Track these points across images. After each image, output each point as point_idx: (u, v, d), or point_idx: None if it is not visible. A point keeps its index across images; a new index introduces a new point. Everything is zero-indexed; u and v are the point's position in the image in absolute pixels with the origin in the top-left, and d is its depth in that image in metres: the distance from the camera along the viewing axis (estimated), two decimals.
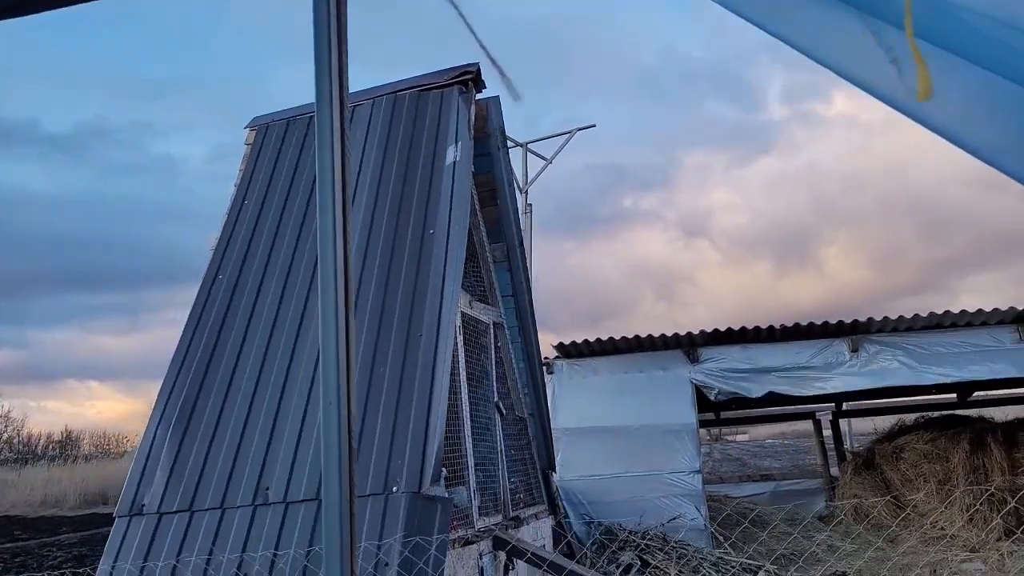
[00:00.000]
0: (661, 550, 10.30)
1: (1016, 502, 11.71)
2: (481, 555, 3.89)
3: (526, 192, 12.20)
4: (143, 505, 3.38)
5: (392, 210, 4.16)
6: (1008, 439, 12.39)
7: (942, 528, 11.93)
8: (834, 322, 11.30)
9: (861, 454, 14.14)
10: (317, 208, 1.29)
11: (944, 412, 14.02)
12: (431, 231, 4.00)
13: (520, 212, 12.74)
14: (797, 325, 11.57)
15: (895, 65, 1.14)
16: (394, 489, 3.18)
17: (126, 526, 3.31)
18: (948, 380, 10.87)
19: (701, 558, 10.14)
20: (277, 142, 4.72)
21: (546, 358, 12.70)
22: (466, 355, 4.37)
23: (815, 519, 12.71)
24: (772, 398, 12.77)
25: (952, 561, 10.78)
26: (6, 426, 28.96)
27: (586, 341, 12.08)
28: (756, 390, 11.69)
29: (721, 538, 11.20)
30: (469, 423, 4.17)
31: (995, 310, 10.53)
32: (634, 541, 10.46)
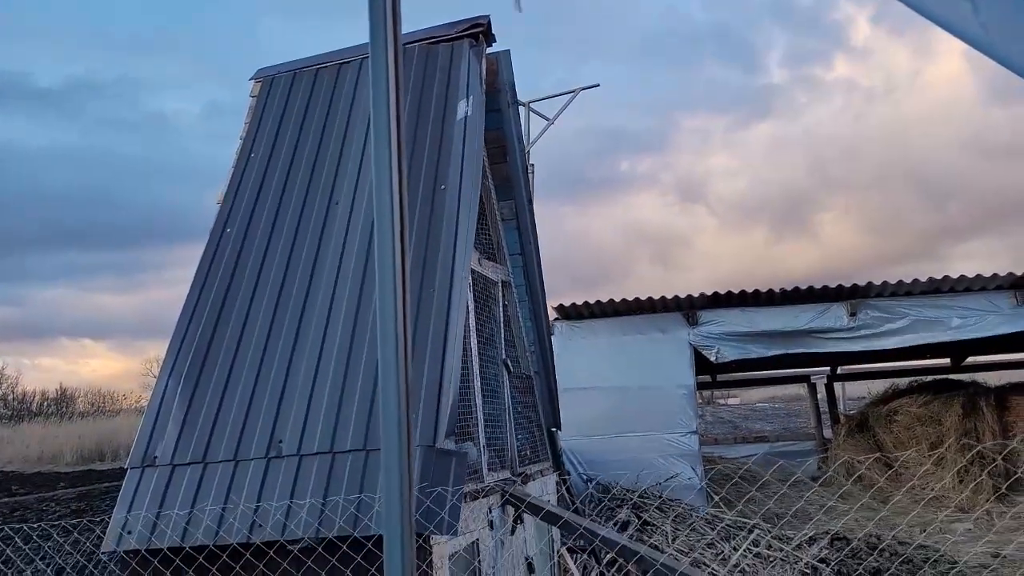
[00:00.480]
0: (657, 508, 10.46)
1: (1005, 463, 11.91)
2: (491, 509, 3.93)
3: (528, 152, 12.09)
4: (155, 457, 3.39)
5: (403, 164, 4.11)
6: (1000, 403, 12.55)
7: (933, 489, 12.14)
8: (833, 286, 11.32)
9: (855, 417, 14.31)
10: (372, 148, 1.25)
11: (938, 376, 14.17)
12: (443, 187, 3.95)
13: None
14: (796, 289, 11.59)
15: (970, 2, 1.14)
16: None
17: (139, 477, 3.32)
18: (946, 340, 10.92)
19: (697, 516, 10.30)
20: (284, 94, 4.64)
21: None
22: (476, 312, 4.36)
23: (807, 479, 12.90)
24: (769, 360, 12.86)
25: (942, 521, 10.99)
26: (1, 383, 29.02)
27: (586, 303, 12.10)
28: (757, 351, 11.75)
29: (715, 497, 11.36)
30: (479, 380, 4.17)
31: (993, 275, 10.56)
32: (631, 499, 10.61)
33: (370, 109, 1.30)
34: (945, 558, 9.51)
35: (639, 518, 10.14)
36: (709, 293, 11.72)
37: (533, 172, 11.80)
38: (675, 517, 10.25)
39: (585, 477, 11.62)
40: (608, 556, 4.73)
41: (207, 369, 3.60)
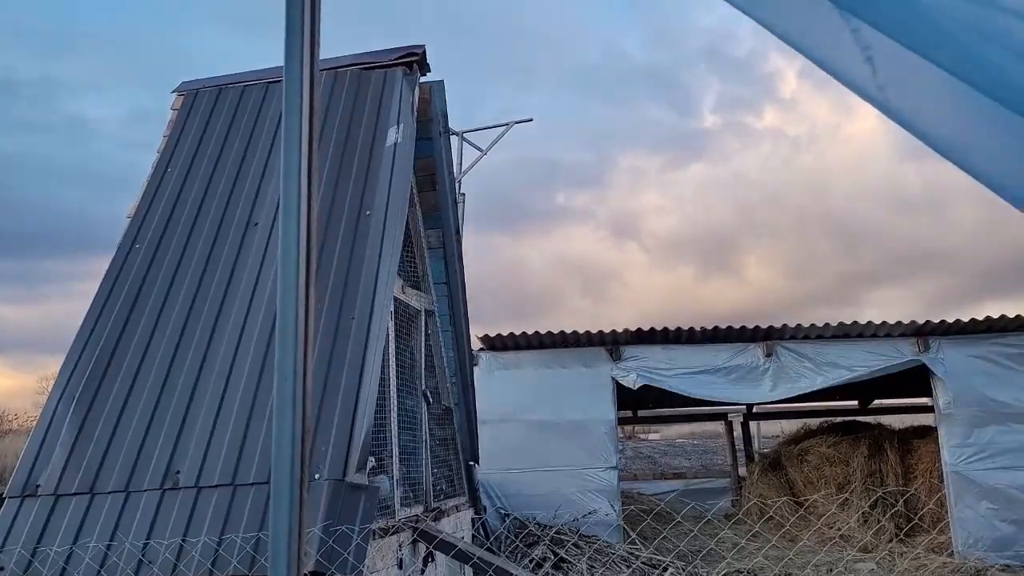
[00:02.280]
0: (574, 544, 10.41)
1: (905, 506, 12.41)
2: (400, 546, 3.80)
3: (459, 181, 12.07)
4: (38, 485, 3.14)
5: (327, 189, 4.01)
6: (903, 446, 13.12)
7: (838, 529, 12.54)
8: (751, 327, 11.66)
9: (768, 455, 14.69)
10: (281, 175, 1.18)
11: (846, 418, 14.74)
12: (368, 213, 3.87)
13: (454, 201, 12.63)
14: (716, 328, 11.89)
15: (869, 64, 1.24)
16: (316, 476, 3.06)
17: (17, 507, 3.06)
18: (852, 378, 11.34)
19: (612, 552, 10.31)
20: (207, 110, 4.48)
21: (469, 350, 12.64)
22: (396, 341, 4.26)
23: (720, 517, 13.13)
24: (686, 399, 13.08)
25: (847, 561, 11.33)
26: None
27: (511, 334, 12.08)
28: (673, 385, 11.91)
29: (632, 533, 11.41)
30: (396, 411, 4.06)
31: (898, 323, 11.10)
32: (547, 535, 10.53)
33: (283, 133, 1.23)
34: None
35: (555, 555, 10.07)
36: (633, 329, 11.89)
37: (464, 201, 11.78)
38: (591, 554, 10.23)
39: (503, 512, 11.49)
40: None
41: (103, 392, 3.38)
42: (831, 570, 10.87)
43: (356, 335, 3.44)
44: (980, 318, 11.22)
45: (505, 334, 12.19)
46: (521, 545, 10.14)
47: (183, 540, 2.87)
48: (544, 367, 12.23)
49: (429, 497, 4.54)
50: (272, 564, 1.22)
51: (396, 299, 4.30)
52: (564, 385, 11.97)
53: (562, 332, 12.15)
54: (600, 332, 12.10)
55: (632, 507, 11.91)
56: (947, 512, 11.13)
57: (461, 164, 12.20)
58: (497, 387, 12.19)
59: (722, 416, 16.08)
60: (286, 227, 1.22)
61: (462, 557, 3.95)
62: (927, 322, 11.00)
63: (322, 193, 4.00)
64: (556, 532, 10.39)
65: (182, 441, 3.20)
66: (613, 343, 12.17)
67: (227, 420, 3.23)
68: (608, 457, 11.77)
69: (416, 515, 4.19)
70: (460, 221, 12.54)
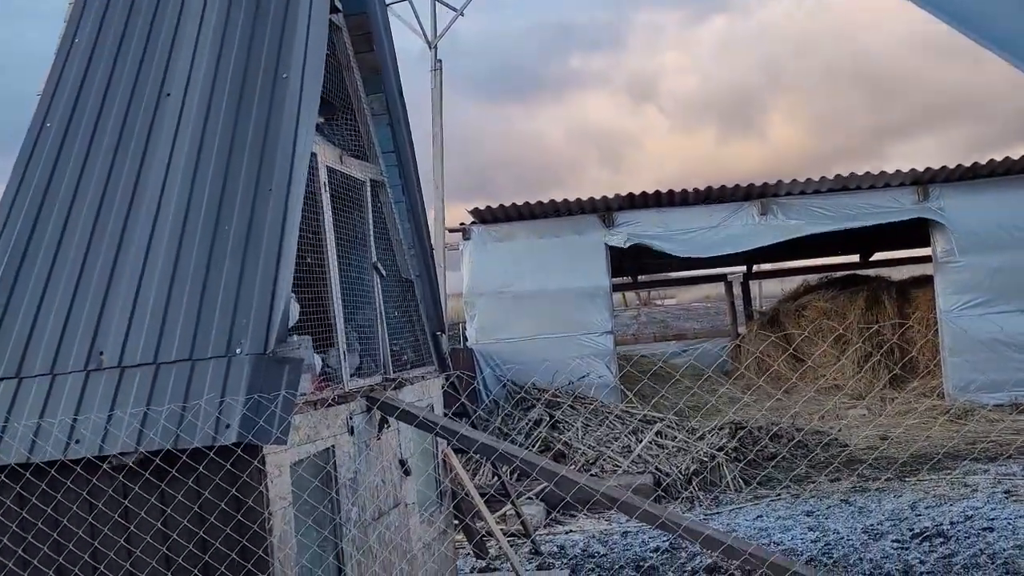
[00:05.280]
0: (570, 405, 10.67)
1: (901, 354, 12.50)
2: (351, 415, 3.83)
3: (435, 47, 11.52)
4: None
5: (241, 53, 3.75)
6: (901, 296, 13.09)
7: (835, 379, 12.73)
8: (744, 185, 11.36)
9: (767, 313, 14.77)
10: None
11: (846, 272, 14.65)
12: (284, 75, 3.63)
13: (430, 69, 12.09)
14: (709, 188, 11.61)
15: None
16: (237, 351, 3.03)
17: None
18: (852, 227, 11.12)
19: (607, 412, 10.57)
20: None
21: (462, 224, 12.52)
22: (336, 214, 4.12)
23: (719, 374, 13.35)
24: (686, 261, 13.00)
25: (838, 407, 11.56)
26: None
27: (501, 206, 11.91)
28: (666, 247, 11.79)
29: (629, 394, 11.64)
30: (339, 285, 3.99)
31: (897, 172, 10.74)
32: (544, 398, 10.78)
33: None
34: (838, 441, 10.04)
35: (551, 416, 10.36)
36: (624, 194, 11.65)
37: (440, 69, 11.26)
38: (588, 414, 10.51)
39: (502, 379, 11.75)
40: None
41: (23, 275, 3.32)
42: (821, 416, 11.13)
43: (274, 207, 3.31)
44: (983, 162, 10.81)
45: (495, 206, 12.00)
46: (515, 411, 10.42)
47: (109, 414, 2.89)
48: (537, 237, 12.13)
49: (388, 367, 4.55)
50: None
51: (333, 170, 4.12)
52: (557, 254, 11.91)
53: (552, 201, 11.94)
54: (592, 199, 11.87)
55: (631, 368, 12.10)
56: (940, 358, 11.22)
57: (435, 28, 11.59)
58: (491, 259, 12.17)
59: (721, 278, 16.07)
60: None
61: (406, 418, 3.99)
62: (927, 169, 10.65)
63: (236, 57, 3.75)
64: (552, 395, 10.64)
65: (104, 320, 3.16)
66: (605, 209, 11.97)
67: (147, 297, 3.18)
68: (603, 322, 11.87)
69: (372, 385, 4.21)
70: (439, 90, 12.07)
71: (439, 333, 5.38)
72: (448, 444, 4.96)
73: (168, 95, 3.76)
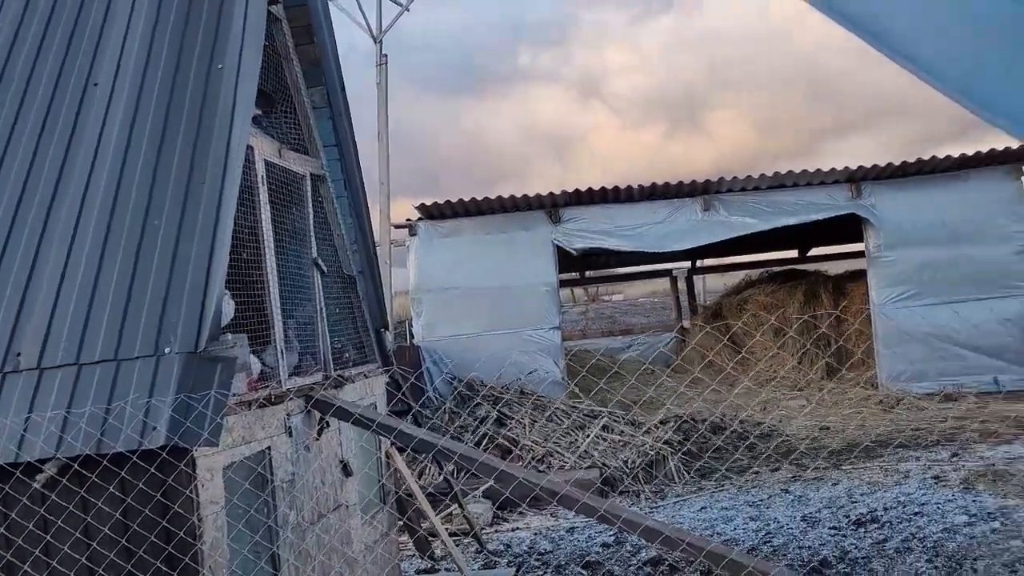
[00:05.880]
0: (517, 402, 10.69)
1: (837, 344, 12.88)
2: (289, 415, 3.75)
3: (380, 42, 11.37)
4: None
5: (174, 43, 3.62)
6: (837, 290, 13.50)
7: (775, 372, 13.06)
8: (687, 182, 11.53)
9: (710, 308, 15.07)
10: None
11: (785, 267, 15.04)
12: (219, 66, 3.52)
13: (375, 63, 11.93)
14: (654, 185, 11.75)
15: None
16: (166, 350, 2.92)
17: None
18: (788, 224, 11.38)
19: (555, 408, 10.62)
20: None
21: (408, 220, 12.41)
22: (274, 209, 4.02)
23: (663, 368, 13.55)
24: (632, 257, 13.16)
25: (778, 399, 11.87)
26: None
27: (448, 202, 11.84)
28: (613, 244, 11.90)
29: (576, 389, 11.72)
30: (276, 282, 3.90)
31: (832, 170, 11.06)
32: (492, 395, 10.78)
33: None
34: (777, 431, 10.30)
35: (498, 412, 10.35)
36: (571, 191, 11.71)
37: (386, 63, 11.11)
38: (534, 410, 10.54)
39: (450, 376, 11.69)
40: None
41: None
42: (764, 408, 11.41)
43: (207, 201, 3.21)
44: (912, 160, 11.20)
45: (442, 202, 11.92)
46: (462, 408, 10.38)
47: (27, 416, 2.76)
48: (484, 233, 12.10)
49: (329, 366, 4.47)
50: None
51: (271, 163, 4.02)
52: (505, 250, 11.90)
53: (499, 197, 11.92)
54: (538, 195, 11.89)
55: (577, 364, 12.18)
56: (874, 349, 11.61)
57: (381, 23, 11.44)
58: (438, 256, 12.09)
59: (667, 273, 16.31)
60: None
61: (343, 416, 3.93)
62: (860, 167, 10.99)
63: (168, 45, 3.61)
64: (499, 391, 10.64)
65: (22, 320, 3.01)
66: (552, 206, 12.01)
67: (70, 295, 3.04)
68: (550, 318, 11.92)
69: (312, 384, 4.13)
70: (384, 85, 11.92)
71: (382, 330, 5.31)
72: (390, 443, 4.91)
73: (96, 85, 3.61)
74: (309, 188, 4.51)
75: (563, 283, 15.37)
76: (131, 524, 2.84)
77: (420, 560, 6.51)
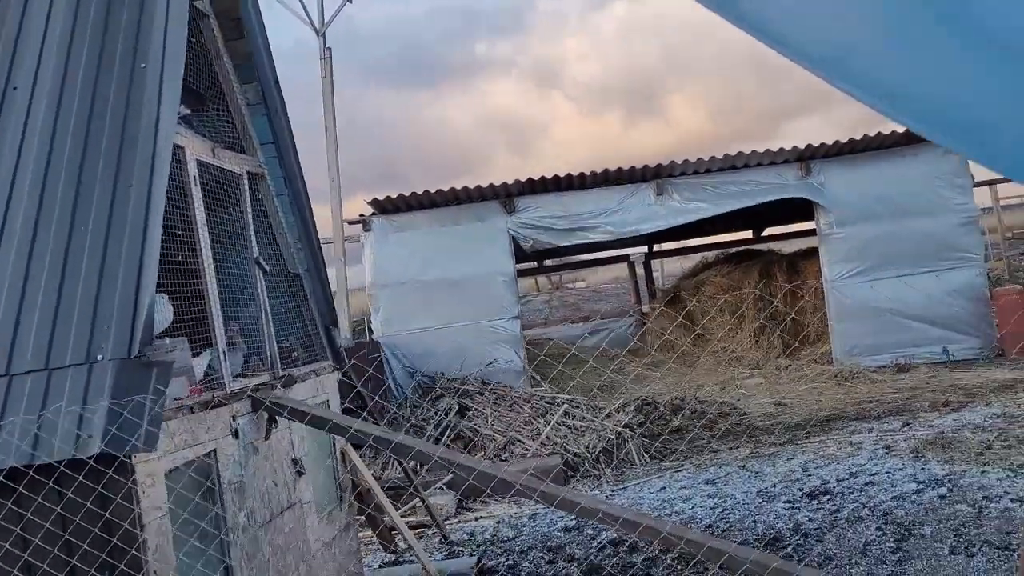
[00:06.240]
0: (480, 393, 10.71)
1: (793, 324, 13.14)
2: (235, 417, 3.71)
3: (323, 35, 11.22)
4: None
5: (94, 43, 3.53)
6: (791, 268, 13.75)
7: (733, 351, 13.28)
8: (640, 167, 11.62)
9: (668, 291, 15.24)
10: None
11: (741, 248, 15.28)
12: (143, 65, 3.44)
13: (319, 57, 11.77)
14: (606, 171, 11.81)
15: None
16: (99, 356, 2.87)
17: None
18: (740, 207, 11.55)
19: (516, 397, 10.67)
20: None
21: (361, 215, 12.32)
22: (210, 209, 3.96)
23: (621, 352, 13.68)
24: (588, 244, 13.23)
25: (737, 378, 12.07)
26: None
27: (401, 195, 11.77)
28: (565, 239, 11.95)
29: (538, 377, 11.77)
30: (215, 283, 3.84)
31: (780, 150, 11.24)
32: (454, 387, 10.78)
33: None
34: (737, 410, 10.48)
35: (461, 405, 10.36)
36: (524, 180, 11.72)
37: (330, 57, 10.96)
38: (494, 400, 10.57)
39: (411, 370, 11.66)
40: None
41: None
42: (723, 387, 11.60)
43: (135, 205, 3.14)
44: (859, 137, 11.43)
45: (395, 196, 11.85)
46: (424, 402, 10.38)
47: None
48: (439, 226, 12.05)
49: (276, 365, 4.43)
50: None
51: (204, 163, 3.95)
52: (460, 242, 11.88)
53: (452, 189, 11.90)
54: (492, 185, 11.88)
55: (538, 351, 12.22)
56: (828, 326, 11.87)
57: (323, 16, 11.27)
58: (393, 250, 12.02)
59: (624, 259, 16.45)
60: None
61: (296, 417, 3.90)
62: (808, 146, 11.19)
63: (88, 46, 3.52)
64: (461, 383, 10.65)
65: None
66: (506, 195, 12.01)
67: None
68: (509, 308, 11.94)
69: (258, 384, 4.08)
70: (330, 79, 11.77)
71: (332, 327, 5.27)
72: (345, 440, 4.88)
73: (15, 88, 3.50)
74: (247, 187, 4.44)
75: (521, 272, 15.40)
76: (71, 537, 2.78)
77: (384, 554, 6.51)
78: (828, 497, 6.35)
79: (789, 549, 5.23)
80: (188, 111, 4.04)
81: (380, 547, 6.48)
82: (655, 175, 11.72)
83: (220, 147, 4.25)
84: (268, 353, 4.39)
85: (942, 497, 5.81)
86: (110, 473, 2.74)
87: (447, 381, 10.80)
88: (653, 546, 5.48)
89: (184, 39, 3.61)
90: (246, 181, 4.45)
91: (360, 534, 6.75)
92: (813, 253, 13.35)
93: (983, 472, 6.25)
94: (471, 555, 6.13)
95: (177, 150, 3.67)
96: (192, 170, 3.82)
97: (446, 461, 4.00)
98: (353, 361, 5.72)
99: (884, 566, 4.77)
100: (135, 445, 2.69)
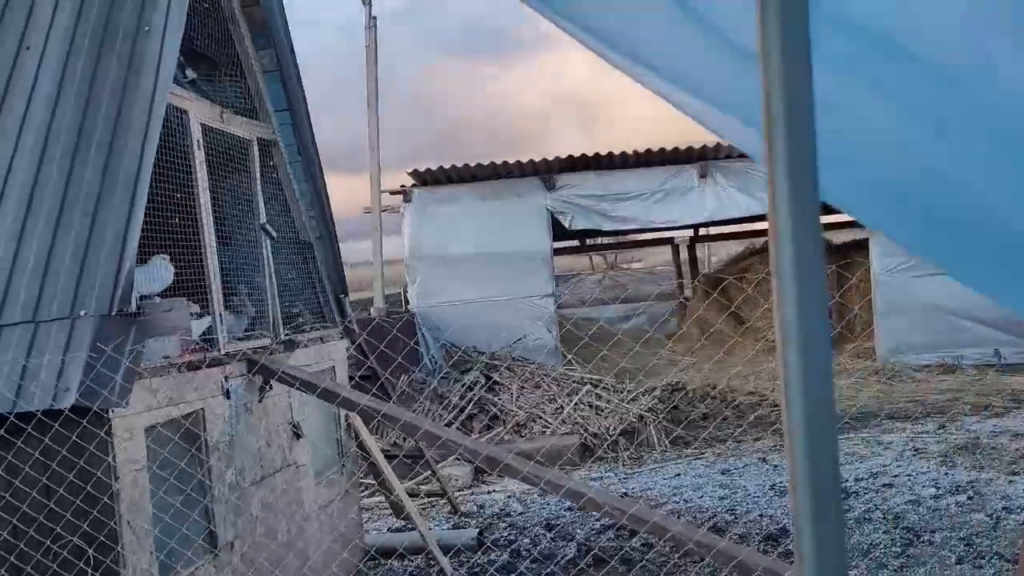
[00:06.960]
0: (508, 368, 10.73)
1: (840, 316, 12.73)
2: (227, 378, 3.80)
3: (370, 3, 11.22)
4: None
5: (103, 4, 3.62)
6: (841, 258, 13.28)
7: (773, 340, 12.94)
8: (683, 148, 11.35)
9: (711, 277, 14.94)
10: None
11: None
12: (146, 28, 3.51)
13: (364, 26, 11.81)
14: (649, 151, 11.58)
15: None
16: (82, 312, 2.97)
17: None
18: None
19: (544, 374, 10.66)
20: None
21: (402, 186, 12.39)
22: (216, 174, 4.04)
23: (662, 337, 13.51)
24: (630, 226, 13.04)
25: (776, 368, 11.76)
26: None
27: (441, 168, 11.79)
28: (608, 223, 11.79)
29: (569, 355, 11.73)
30: (214, 246, 3.92)
31: None
32: (484, 361, 10.84)
33: None
34: (768, 401, 10.25)
35: (488, 378, 10.42)
36: (565, 157, 11.59)
37: (375, 26, 10.98)
38: (525, 376, 10.59)
39: (443, 343, 11.76)
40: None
41: None
42: (758, 376, 11.34)
43: (128, 165, 3.23)
44: None
45: (435, 168, 11.88)
46: (452, 373, 10.47)
47: None
48: (479, 200, 12.04)
49: (278, 329, 4.51)
50: None
51: (209, 127, 4.02)
52: (499, 217, 11.85)
53: (493, 163, 11.85)
54: (532, 161, 11.80)
55: (575, 332, 12.17)
56: (873, 320, 11.45)
57: None
58: (432, 222, 12.08)
59: (668, 241, 16.16)
60: None
61: (287, 381, 3.98)
62: None
63: (97, 7, 3.61)
64: (491, 357, 10.69)
65: None
66: (547, 172, 11.90)
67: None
68: (544, 285, 11.89)
69: (257, 348, 4.17)
70: (374, 49, 11.81)
71: (342, 296, 5.34)
72: (335, 405, 4.96)
73: (28, 48, 3.62)
74: (256, 153, 4.51)
75: (560, 251, 15.28)
76: (49, 482, 2.92)
77: (396, 520, 6.63)
78: (842, 496, 6.16)
79: (790, 545, 5.10)
80: (192, 75, 4.12)
81: (392, 513, 6.61)
82: (700, 157, 11.43)
83: (230, 112, 4.32)
84: (271, 318, 4.48)
85: (959, 504, 5.57)
86: (84, 423, 2.85)
87: (478, 354, 10.86)
88: (646, 532, 5.43)
89: (185, 4, 3.65)
90: (256, 147, 4.51)
91: (376, 499, 6.91)
92: (864, 244, 12.87)
93: (1011, 481, 5.97)
94: (477, 527, 6.19)
95: (180, 113, 3.75)
96: (196, 133, 3.89)
97: (431, 436, 4.03)
98: (364, 335, 5.79)
99: (885, 571, 4.61)
100: (107, 398, 2.79)
